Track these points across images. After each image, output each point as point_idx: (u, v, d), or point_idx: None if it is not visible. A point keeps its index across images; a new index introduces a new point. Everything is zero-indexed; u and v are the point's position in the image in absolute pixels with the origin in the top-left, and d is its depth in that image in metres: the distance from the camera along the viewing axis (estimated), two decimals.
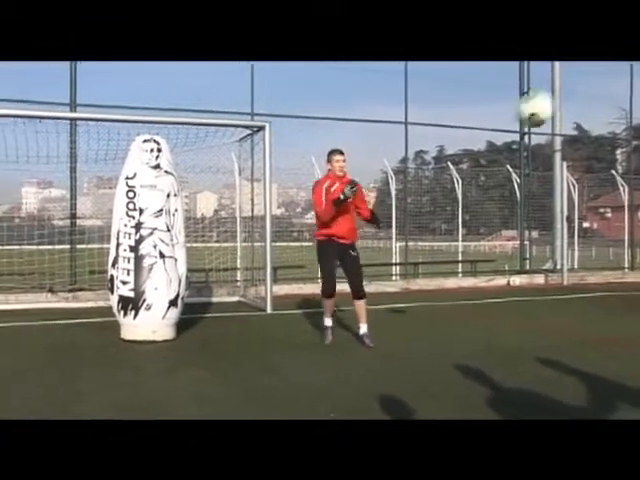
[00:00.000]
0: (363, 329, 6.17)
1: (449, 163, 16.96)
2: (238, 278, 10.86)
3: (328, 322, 6.32)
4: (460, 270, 13.81)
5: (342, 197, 5.92)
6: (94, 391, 4.52)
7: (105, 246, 9.51)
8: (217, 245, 11.95)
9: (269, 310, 8.51)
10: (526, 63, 13.33)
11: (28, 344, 6.35)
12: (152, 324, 6.29)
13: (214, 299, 9.71)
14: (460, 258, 14.54)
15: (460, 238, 14.88)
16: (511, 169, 14.74)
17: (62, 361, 5.55)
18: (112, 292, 6.40)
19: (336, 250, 6.18)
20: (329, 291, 6.19)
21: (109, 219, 14.51)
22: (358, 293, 6.21)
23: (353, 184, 6.01)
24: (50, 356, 5.74)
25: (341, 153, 6.26)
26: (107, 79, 10.12)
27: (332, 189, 6.12)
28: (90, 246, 9.95)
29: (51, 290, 9.33)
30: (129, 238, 6.28)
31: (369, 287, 8.00)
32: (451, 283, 12.51)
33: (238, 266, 11.03)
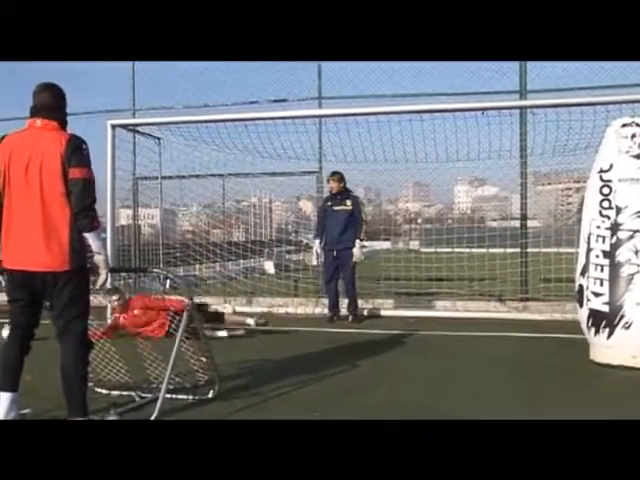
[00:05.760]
0: None
1: None
2: None
3: None
4: None
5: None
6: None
7: (561, 251, 8.78)
8: None
9: None
10: None
11: (483, 356, 6.00)
12: (632, 347, 5.20)
13: None
14: None
15: None
16: None
17: (526, 378, 5.07)
18: (581, 305, 5.54)
19: None
20: None
21: (548, 220, 13.65)
22: None
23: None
24: (510, 372, 5.27)
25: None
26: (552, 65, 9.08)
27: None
28: (543, 250, 9.24)
29: (500, 299, 8.93)
30: (603, 242, 5.34)
31: None
32: None
33: None
